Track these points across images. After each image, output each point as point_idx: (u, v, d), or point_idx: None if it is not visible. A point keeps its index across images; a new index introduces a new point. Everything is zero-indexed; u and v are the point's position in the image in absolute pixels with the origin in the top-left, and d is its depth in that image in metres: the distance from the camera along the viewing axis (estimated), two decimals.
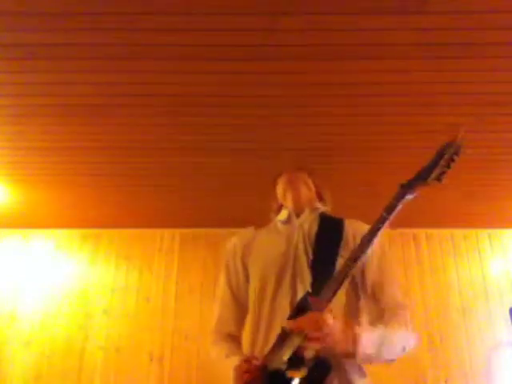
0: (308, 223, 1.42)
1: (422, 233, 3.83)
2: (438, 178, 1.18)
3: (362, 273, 1.32)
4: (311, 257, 1.30)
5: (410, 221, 3.73)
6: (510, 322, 3.48)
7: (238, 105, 2.30)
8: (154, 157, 2.78)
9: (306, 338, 1.05)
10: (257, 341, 1.28)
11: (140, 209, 3.56)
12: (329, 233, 1.36)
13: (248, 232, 1.50)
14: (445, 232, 3.83)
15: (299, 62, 2.01)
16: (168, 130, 2.51)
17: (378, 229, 1.21)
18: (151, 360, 3.48)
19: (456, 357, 3.44)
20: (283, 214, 1.46)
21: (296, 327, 1.07)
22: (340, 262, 1.24)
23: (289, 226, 1.43)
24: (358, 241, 1.22)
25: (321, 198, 1.55)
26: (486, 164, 2.83)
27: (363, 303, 1.31)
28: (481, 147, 2.65)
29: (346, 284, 1.19)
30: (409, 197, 1.22)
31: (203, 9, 1.73)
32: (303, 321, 1.07)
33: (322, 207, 1.50)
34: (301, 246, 1.34)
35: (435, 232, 3.83)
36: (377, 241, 1.22)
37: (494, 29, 1.81)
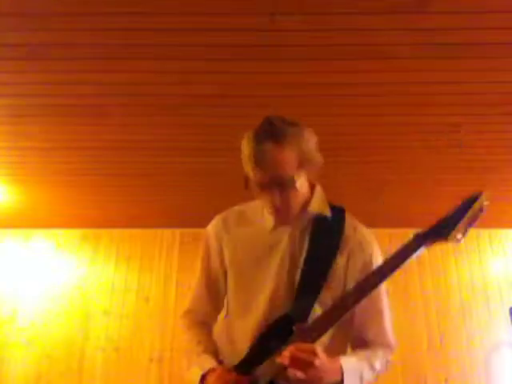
0: (298, 232, 1.18)
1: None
2: (459, 239, 1.07)
3: None
4: (297, 277, 1.14)
5: (410, 221, 3.73)
6: (510, 322, 3.48)
7: (238, 105, 2.30)
8: (154, 157, 2.78)
9: (292, 368, 0.96)
10: (224, 345, 1.21)
11: (140, 209, 3.56)
12: (321, 250, 1.15)
13: (228, 218, 1.28)
14: None
15: (299, 62, 2.01)
16: (168, 129, 2.51)
17: (383, 278, 1.06)
18: (151, 360, 3.48)
19: (456, 357, 3.44)
20: (267, 222, 1.21)
21: (289, 359, 0.96)
22: (328, 285, 1.13)
23: (274, 233, 1.19)
24: (354, 266, 1.13)
25: (313, 188, 1.27)
26: (486, 164, 2.83)
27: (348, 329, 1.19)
28: (481, 147, 2.65)
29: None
30: (422, 250, 1.08)
31: (203, 9, 1.73)
32: (294, 353, 0.96)
33: (315, 207, 1.20)
34: (286, 263, 1.16)
35: None
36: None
37: (494, 29, 1.81)
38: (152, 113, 2.36)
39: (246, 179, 1.14)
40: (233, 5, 1.71)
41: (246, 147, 1.12)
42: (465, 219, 1.06)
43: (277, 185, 1.08)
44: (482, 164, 2.83)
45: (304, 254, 1.15)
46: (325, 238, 1.17)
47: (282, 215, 1.16)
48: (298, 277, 1.14)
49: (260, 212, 1.25)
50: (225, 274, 1.25)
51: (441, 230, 1.08)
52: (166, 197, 3.35)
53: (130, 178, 3.06)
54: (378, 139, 2.59)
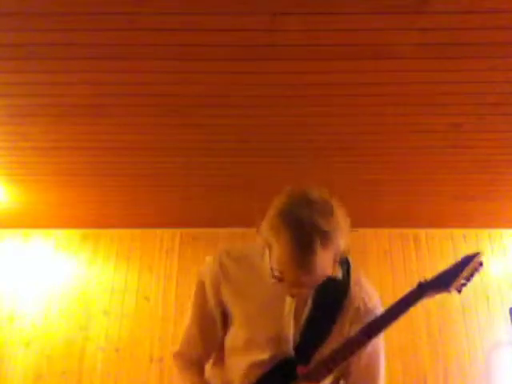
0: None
1: (422, 233, 3.83)
2: (459, 289, 1.15)
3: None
4: (297, 338, 1.12)
5: (410, 221, 3.73)
6: (510, 322, 3.48)
7: (238, 105, 2.30)
8: (154, 157, 2.78)
9: None
10: None
11: (140, 209, 3.56)
12: (322, 312, 1.12)
13: (226, 264, 1.19)
14: (445, 232, 3.83)
15: (299, 62, 2.00)
16: (168, 130, 2.51)
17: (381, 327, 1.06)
18: (151, 360, 3.48)
19: (456, 356, 3.44)
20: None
21: None
22: (328, 347, 1.11)
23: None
24: (354, 327, 1.10)
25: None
26: (486, 164, 2.83)
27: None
28: (481, 147, 2.65)
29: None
30: (424, 299, 1.11)
31: (203, 9, 1.73)
32: None
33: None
34: (290, 323, 1.12)
35: (435, 232, 3.83)
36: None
37: (494, 29, 1.81)
38: (152, 113, 2.35)
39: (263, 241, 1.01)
40: (233, 5, 1.71)
41: (285, 241, 0.93)
42: (464, 273, 1.15)
43: (310, 287, 1.02)
44: (482, 164, 2.83)
45: (307, 313, 1.12)
46: (329, 295, 1.12)
47: None
48: (300, 332, 1.12)
49: (261, 256, 1.15)
50: (222, 317, 1.20)
51: (443, 282, 1.13)
52: (165, 197, 3.35)
53: (130, 178, 3.06)
54: (377, 139, 2.59)
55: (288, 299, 1.11)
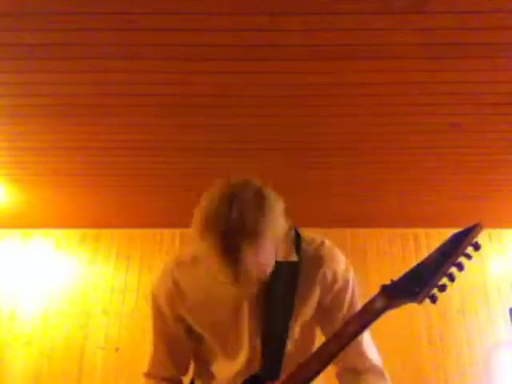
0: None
1: (422, 233, 3.83)
2: (433, 297, 0.82)
3: (327, 319, 1.11)
4: (260, 328, 1.06)
5: (410, 221, 3.73)
6: (510, 322, 3.48)
7: (238, 105, 2.30)
8: (154, 157, 2.78)
9: None
10: None
11: (140, 209, 3.56)
12: (280, 292, 1.04)
13: (179, 279, 1.09)
14: (445, 232, 3.81)
15: (299, 62, 2.00)
16: (168, 130, 2.51)
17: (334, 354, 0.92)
18: None
19: (456, 357, 3.44)
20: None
21: None
22: (294, 331, 1.07)
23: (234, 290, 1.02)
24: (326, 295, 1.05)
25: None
26: (486, 164, 2.83)
27: None
28: (481, 147, 2.65)
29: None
30: (387, 311, 0.88)
31: (203, 9, 1.73)
32: None
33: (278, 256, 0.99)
34: (246, 315, 1.06)
35: (435, 232, 3.83)
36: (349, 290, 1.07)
37: (494, 29, 1.81)
38: (152, 113, 2.35)
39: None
40: (233, 5, 1.71)
41: (212, 247, 0.85)
42: (444, 267, 0.82)
43: (258, 279, 0.92)
44: (482, 164, 2.83)
45: (263, 309, 1.05)
46: (282, 282, 1.03)
47: None
48: (260, 327, 1.06)
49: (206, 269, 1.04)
50: (187, 332, 1.13)
51: (409, 289, 0.84)
52: (165, 197, 3.35)
53: (130, 177, 3.06)
54: (377, 139, 2.59)
55: (244, 303, 1.05)
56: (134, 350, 3.50)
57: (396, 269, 3.68)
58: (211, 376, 1.17)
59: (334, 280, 1.08)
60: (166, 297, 1.10)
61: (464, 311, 3.57)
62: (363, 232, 3.79)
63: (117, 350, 3.52)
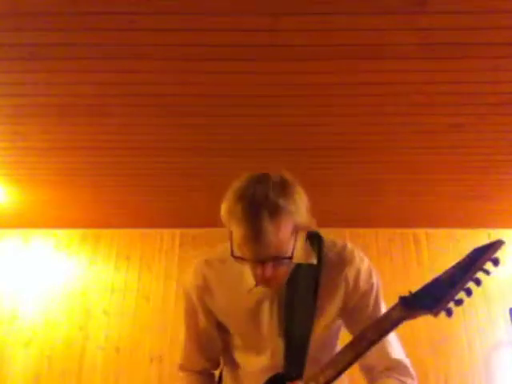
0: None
1: (422, 233, 3.83)
2: (449, 311, 0.84)
3: (353, 320, 1.14)
4: (282, 329, 1.10)
5: (410, 221, 3.73)
6: (510, 322, 3.48)
7: (238, 105, 2.30)
8: (154, 157, 2.78)
9: None
10: None
11: (140, 209, 3.56)
12: (301, 294, 1.07)
13: (209, 276, 1.15)
14: (445, 232, 3.83)
15: (299, 62, 2.00)
16: (168, 130, 2.51)
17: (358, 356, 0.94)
18: (151, 360, 3.48)
19: (456, 357, 3.44)
20: (249, 279, 1.06)
21: None
22: (316, 332, 1.09)
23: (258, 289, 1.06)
24: (347, 298, 1.08)
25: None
26: (486, 164, 2.83)
27: None
28: (481, 147, 2.65)
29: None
30: (405, 321, 0.91)
31: (204, 9, 1.73)
32: None
33: (297, 257, 0.99)
34: (266, 316, 1.10)
35: (435, 232, 3.83)
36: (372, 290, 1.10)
37: (494, 29, 1.81)
38: (152, 113, 2.35)
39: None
40: (233, 5, 1.71)
41: (237, 217, 0.92)
42: (461, 283, 0.85)
43: (272, 260, 0.94)
44: (482, 164, 2.83)
45: (283, 311, 1.08)
46: (303, 284, 1.07)
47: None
48: (281, 337, 1.09)
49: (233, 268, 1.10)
50: (217, 327, 1.19)
51: (426, 303, 0.87)
52: (165, 197, 3.35)
53: (130, 178, 3.06)
54: (377, 139, 2.59)
55: (265, 304, 1.09)
56: (134, 349, 3.50)
57: (396, 269, 3.68)
58: (237, 365, 1.22)
59: (357, 283, 1.10)
60: (197, 293, 1.16)
61: (464, 311, 3.57)
62: (363, 232, 3.79)
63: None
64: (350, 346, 0.96)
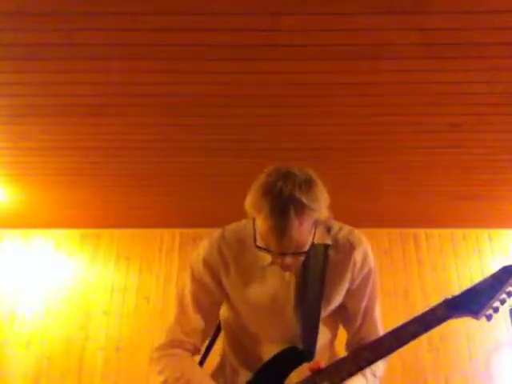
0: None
1: (422, 233, 3.83)
2: (489, 317, 1.03)
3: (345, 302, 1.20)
4: (298, 312, 1.14)
5: (410, 221, 3.73)
6: (510, 322, 3.48)
7: (238, 105, 2.30)
8: (154, 157, 2.78)
9: None
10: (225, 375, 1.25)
11: (140, 209, 3.56)
12: (314, 275, 1.12)
13: (224, 249, 1.17)
14: (445, 232, 3.83)
15: (299, 62, 2.01)
16: (168, 129, 2.51)
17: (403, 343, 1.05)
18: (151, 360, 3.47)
19: (456, 357, 3.44)
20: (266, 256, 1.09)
21: None
22: (327, 307, 1.14)
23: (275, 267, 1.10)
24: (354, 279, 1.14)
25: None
26: (486, 164, 2.83)
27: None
28: (481, 147, 2.65)
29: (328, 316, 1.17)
30: (448, 320, 1.03)
31: (204, 9, 1.73)
32: None
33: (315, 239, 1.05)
34: (284, 300, 1.14)
35: (435, 232, 3.83)
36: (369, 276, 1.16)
37: (494, 29, 1.81)
38: (152, 113, 2.36)
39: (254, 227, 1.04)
40: (233, 5, 1.71)
41: (264, 212, 0.96)
42: (498, 295, 1.02)
43: (292, 254, 1.00)
44: (482, 164, 2.83)
45: (299, 294, 1.13)
46: (315, 265, 1.13)
47: None
48: (298, 320, 1.14)
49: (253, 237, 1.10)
50: (221, 303, 1.23)
51: (473, 302, 1.03)
52: (165, 197, 3.35)
53: (130, 178, 3.06)
54: (377, 139, 2.59)
55: (285, 278, 1.12)
56: (134, 350, 3.50)
57: (396, 269, 3.68)
58: (244, 349, 1.23)
59: (363, 265, 1.16)
60: (211, 265, 1.16)
61: None
62: (363, 232, 3.79)
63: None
64: (390, 335, 1.05)
